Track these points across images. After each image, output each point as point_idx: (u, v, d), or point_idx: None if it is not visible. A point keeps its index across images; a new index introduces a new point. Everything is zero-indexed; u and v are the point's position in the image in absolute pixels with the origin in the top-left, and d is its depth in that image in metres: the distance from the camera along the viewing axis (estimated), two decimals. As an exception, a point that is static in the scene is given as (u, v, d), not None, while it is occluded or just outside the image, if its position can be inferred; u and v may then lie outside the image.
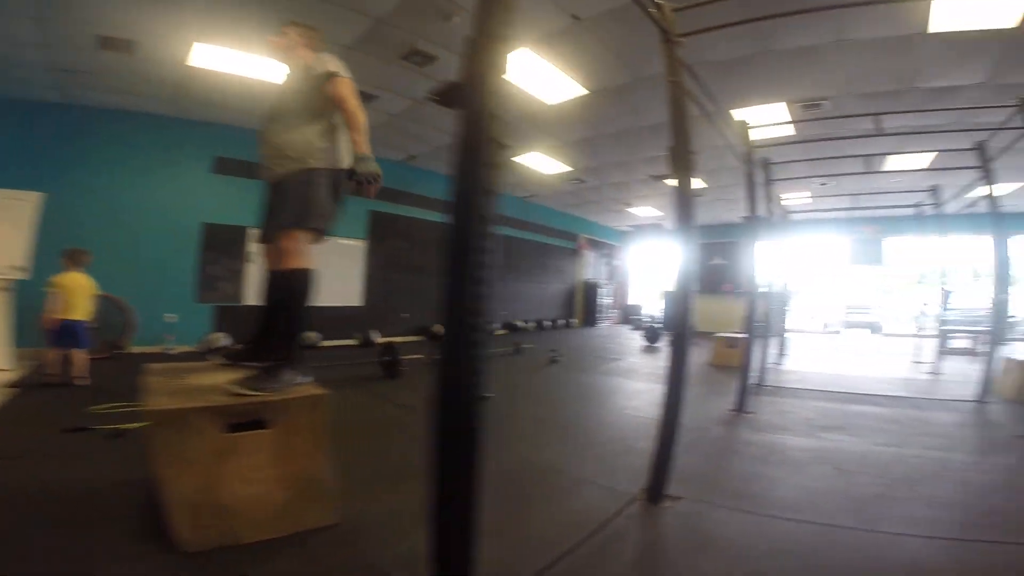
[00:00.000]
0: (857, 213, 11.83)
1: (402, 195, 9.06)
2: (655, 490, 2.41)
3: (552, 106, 6.10)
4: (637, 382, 5.67)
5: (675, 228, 2.61)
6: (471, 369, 1.22)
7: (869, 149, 6.98)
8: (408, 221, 9.40)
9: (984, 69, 4.71)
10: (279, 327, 2.09)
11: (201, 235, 6.88)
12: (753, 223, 8.63)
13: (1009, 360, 4.98)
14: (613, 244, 16.70)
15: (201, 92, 5.86)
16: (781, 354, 8.12)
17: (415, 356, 6.03)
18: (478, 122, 1.25)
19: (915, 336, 9.16)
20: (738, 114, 6.17)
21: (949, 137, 5.72)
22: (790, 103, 5.89)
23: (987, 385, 4.55)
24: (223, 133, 6.91)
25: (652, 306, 15.46)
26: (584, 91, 5.69)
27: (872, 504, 2.27)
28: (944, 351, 8.47)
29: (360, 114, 2.06)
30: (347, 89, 2.06)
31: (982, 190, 5.07)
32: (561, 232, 13.91)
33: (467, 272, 1.21)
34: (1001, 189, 8.90)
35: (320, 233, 2.14)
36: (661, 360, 7.45)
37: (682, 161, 2.57)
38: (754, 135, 7.19)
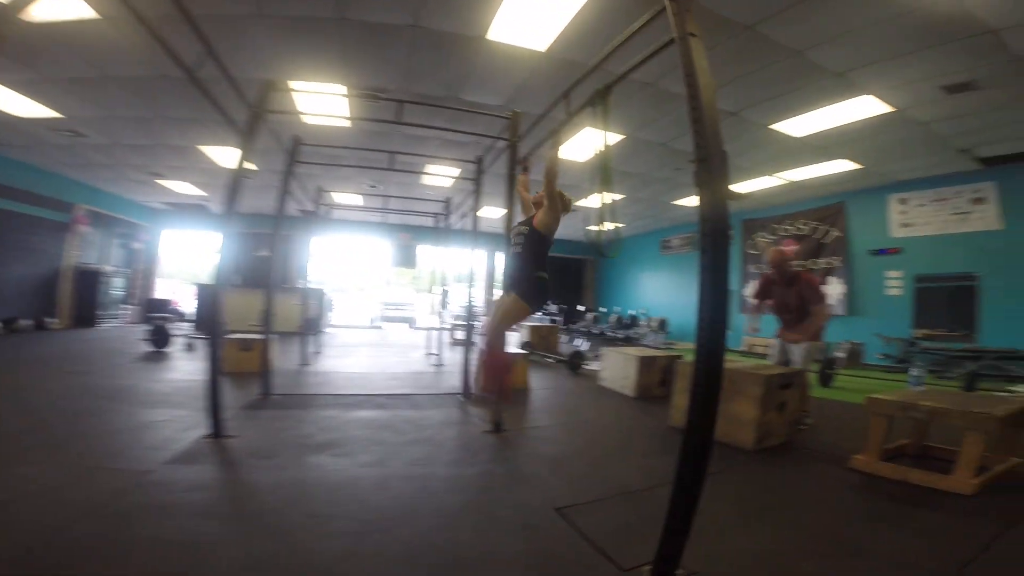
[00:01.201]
0: (395, 219, 13.05)
1: None
2: None
3: (32, 22, 3.86)
4: (100, 401, 3.78)
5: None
6: None
7: (408, 157, 7.37)
8: None
9: (506, 92, 5.37)
10: None
11: None
12: (306, 217, 8.01)
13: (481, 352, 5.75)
14: (138, 223, 12.85)
15: None
16: (316, 352, 7.69)
17: None
18: None
19: (435, 329, 10.59)
20: (298, 86, 5.27)
21: (467, 154, 6.39)
22: (351, 89, 5.38)
23: (467, 378, 5.00)
24: None
25: (187, 301, 12.75)
26: (91, 12, 3.60)
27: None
28: (453, 342, 10.16)
29: None
30: None
31: (480, 210, 5.81)
32: (44, 199, 9.43)
33: None
34: (493, 212, 11.56)
35: None
36: (167, 371, 5.71)
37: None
38: (307, 118, 6.49)
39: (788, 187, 8.97)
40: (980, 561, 1.91)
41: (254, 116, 3.66)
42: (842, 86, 4.78)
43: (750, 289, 11.31)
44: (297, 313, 6.98)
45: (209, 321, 3.31)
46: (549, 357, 7.72)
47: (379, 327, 15.03)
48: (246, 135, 3.50)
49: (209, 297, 11.02)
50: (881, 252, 8.92)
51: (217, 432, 3.15)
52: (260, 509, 2.18)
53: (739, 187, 9.00)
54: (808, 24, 3.89)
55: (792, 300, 4.21)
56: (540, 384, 5.64)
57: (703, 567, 1.78)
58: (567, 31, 4.11)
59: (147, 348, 7.02)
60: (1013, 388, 5.40)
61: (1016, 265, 7.17)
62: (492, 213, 11.42)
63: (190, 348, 7.34)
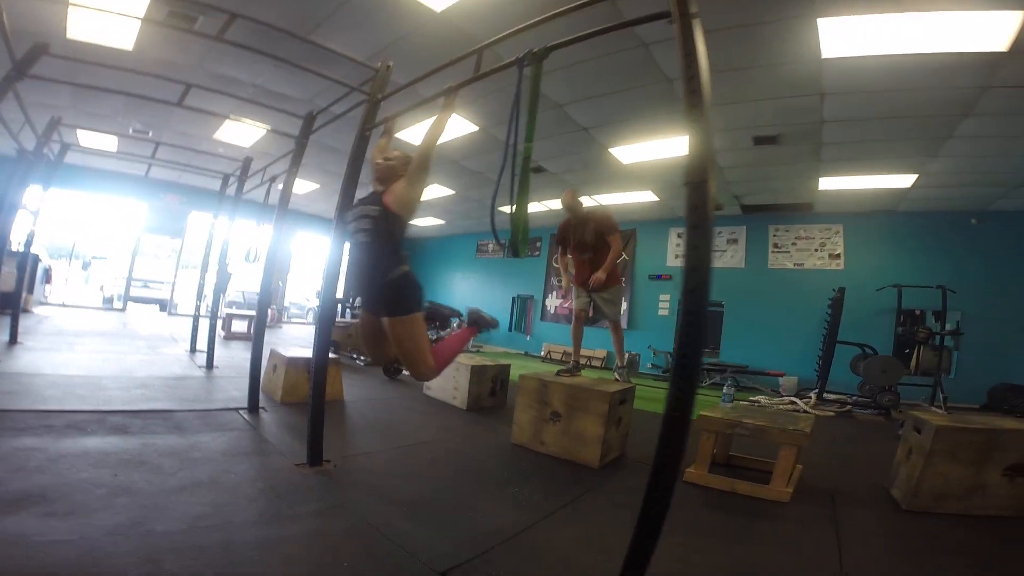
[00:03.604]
0: (164, 175, 10.30)
1: None
2: None
3: None
4: None
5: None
6: None
7: (209, 103, 5.63)
8: None
9: (371, 46, 4.36)
10: None
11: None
12: (26, 158, 5.44)
13: (275, 354, 4.51)
14: None
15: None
16: (12, 343, 5.35)
17: None
18: None
19: (203, 317, 8.52)
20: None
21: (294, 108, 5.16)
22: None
23: (256, 387, 3.88)
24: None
25: None
26: None
27: None
28: (228, 336, 8.31)
29: None
30: None
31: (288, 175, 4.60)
32: None
33: None
34: (302, 187, 9.92)
35: None
36: None
37: None
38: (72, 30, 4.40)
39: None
40: (847, 565, 2.04)
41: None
42: (684, 122, 5.25)
43: (552, 300, 12.10)
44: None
45: None
46: (360, 359, 6.82)
47: (119, 309, 11.65)
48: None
49: None
50: (657, 277, 10.43)
51: None
52: None
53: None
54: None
55: (588, 236, 4.22)
56: (356, 394, 4.79)
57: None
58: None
59: None
60: (753, 398, 6.67)
61: (749, 298, 9.08)
62: (300, 188, 9.86)
63: None
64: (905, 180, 6.44)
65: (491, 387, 4.95)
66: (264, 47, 3.40)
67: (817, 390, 6.89)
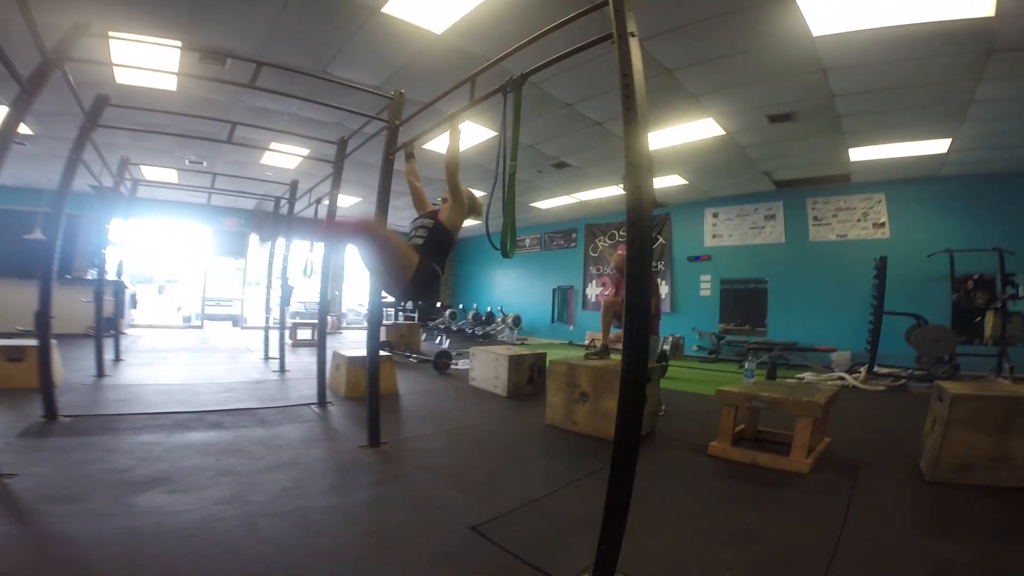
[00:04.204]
0: (222, 201, 11.26)
1: None
2: None
3: None
4: None
5: None
6: None
7: (251, 133, 6.27)
8: None
9: (383, 72, 4.83)
10: None
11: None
12: (103, 194, 6.30)
13: (337, 355, 5.07)
14: None
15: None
16: (116, 360, 6.20)
17: None
18: None
19: (271, 329, 9.33)
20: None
21: (325, 134, 5.70)
22: (188, 48, 4.31)
23: (323, 385, 4.45)
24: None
25: None
26: None
27: None
28: (295, 343, 9.09)
29: None
30: None
31: (331, 196, 5.11)
32: None
33: None
34: (345, 201, 10.63)
35: None
36: None
37: None
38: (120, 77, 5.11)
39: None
40: (847, 531, 2.15)
41: (47, 65, 2.76)
42: (693, 108, 5.38)
43: (592, 288, 12.29)
44: (87, 311, 5.52)
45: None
46: (412, 357, 7.36)
47: (198, 326, 12.85)
48: (30, 90, 2.63)
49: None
50: (696, 259, 10.42)
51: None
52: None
53: (590, 194, 9.67)
54: (689, 46, 4.24)
55: None
56: (409, 387, 5.30)
57: (633, 568, 1.74)
58: (471, 17, 3.86)
59: None
60: (799, 375, 6.66)
61: (792, 272, 8.95)
62: (344, 202, 10.54)
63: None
64: (940, 145, 6.20)
65: (529, 375, 5.30)
66: (291, 86, 3.86)
67: (868, 364, 6.73)
